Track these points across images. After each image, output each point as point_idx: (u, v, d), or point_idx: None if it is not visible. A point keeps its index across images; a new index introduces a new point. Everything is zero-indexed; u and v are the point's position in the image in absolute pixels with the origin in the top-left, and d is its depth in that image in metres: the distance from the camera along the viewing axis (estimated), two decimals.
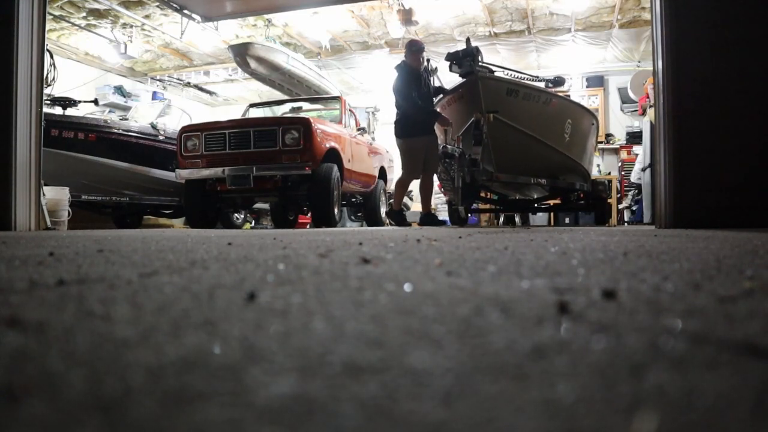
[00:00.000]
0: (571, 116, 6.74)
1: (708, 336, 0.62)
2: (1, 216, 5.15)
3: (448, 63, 6.11)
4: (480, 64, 5.91)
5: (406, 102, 6.34)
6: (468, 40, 6.09)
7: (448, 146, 6.14)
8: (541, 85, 6.77)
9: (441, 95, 6.60)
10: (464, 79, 5.95)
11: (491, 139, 5.74)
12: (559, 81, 6.87)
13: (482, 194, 8.14)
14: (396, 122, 6.55)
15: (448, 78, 6.90)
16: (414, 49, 6.54)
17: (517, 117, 5.95)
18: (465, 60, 5.86)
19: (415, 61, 6.48)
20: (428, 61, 6.75)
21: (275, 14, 9.72)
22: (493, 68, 6.29)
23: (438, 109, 6.47)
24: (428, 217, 6.71)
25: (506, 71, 6.69)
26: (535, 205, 8.16)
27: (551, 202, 8.43)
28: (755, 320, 0.70)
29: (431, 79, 6.71)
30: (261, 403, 0.42)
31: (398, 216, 6.78)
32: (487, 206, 9.05)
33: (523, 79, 6.69)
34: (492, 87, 5.84)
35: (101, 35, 10.40)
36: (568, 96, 9.18)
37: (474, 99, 5.77)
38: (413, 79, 6.39)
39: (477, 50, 5.93)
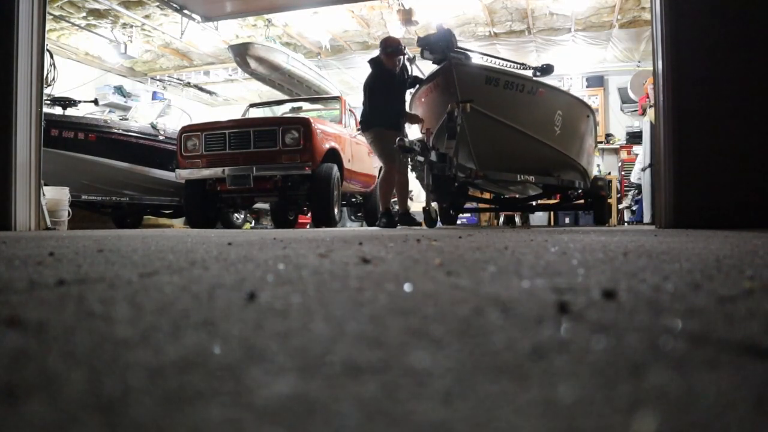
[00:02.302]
0: (562, 107, 6.21)
1: (708, 336, 0.62)
2: (1, 216, 5.15)
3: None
4: (455, 49, 5.40)
5: (371, 102, 6.01)
6: (440, 26, 5.60)
7: (405, 139, 5.35)
8: (528, 73, 6.18)
9: (417, 86, 6.10)
10: (438, 67, 5.44)
11: (469, 133, 5.23)
12: (547, 69, 6.21)
13: (479, 194, 7.99)
14: (361, 121, 6.26)
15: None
16: (389, 50, 6.07)
17: (498, 108, 5.44)
18: (438, 45, 5.33)
19: (390, 62, 6.08)
20: (405, 56, 6.33)
21: (275, 14, 9.72)
22: (471, 54, 5.77)
23: (415, 103, 6.03)
24: (405, 217, 6.34)
25: (485, 57, 6.22)
26: (532, 203, 7.94)
27: (550, 201, 8.31)
28: (755, 320, 0.69)
29: (410, 69, 6.32)
30: (261, 403, 0.42)
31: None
32: (482, 205, 8.84)
33: (508, 66, 6.09)
34: (469, 74, 5.33)
35: (101, 35, 10.40)
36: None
37: (449, 88, 5.25)
38: (385, 78, 6.02)
39: (451, 34, 5.44)
